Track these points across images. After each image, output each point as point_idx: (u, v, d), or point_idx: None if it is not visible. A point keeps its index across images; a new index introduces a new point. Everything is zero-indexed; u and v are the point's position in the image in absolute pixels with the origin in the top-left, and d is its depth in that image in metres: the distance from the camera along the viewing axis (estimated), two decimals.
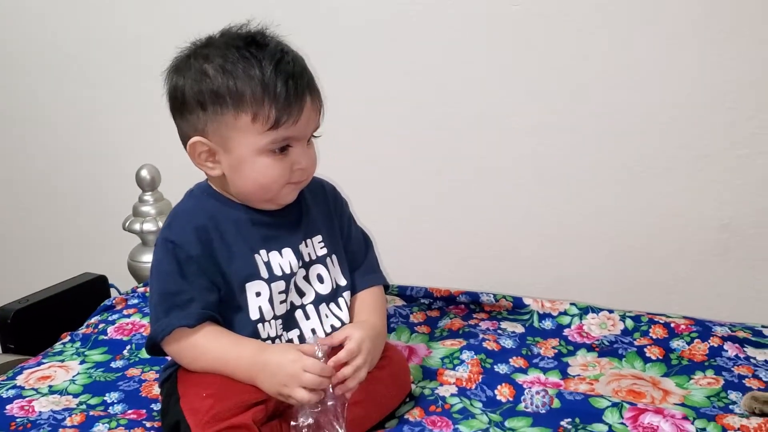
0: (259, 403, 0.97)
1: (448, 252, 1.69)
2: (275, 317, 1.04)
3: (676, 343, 1.23)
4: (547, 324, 1.33)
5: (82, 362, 1.29)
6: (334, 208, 1.16)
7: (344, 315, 1.11)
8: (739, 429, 1.00)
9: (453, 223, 1.67)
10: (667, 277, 1.52)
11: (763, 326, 1.26)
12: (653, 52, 1.45)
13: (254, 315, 1.03)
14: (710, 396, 1.10)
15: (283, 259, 1.05)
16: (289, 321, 1.06)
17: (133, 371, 1.25)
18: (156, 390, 1.16)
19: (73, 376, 1.24)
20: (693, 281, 1.51)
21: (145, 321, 1.39)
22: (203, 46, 1.01)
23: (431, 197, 1.68)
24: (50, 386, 1.21)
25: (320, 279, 1.10)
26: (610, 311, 1.32)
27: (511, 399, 1.11)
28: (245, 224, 1.04)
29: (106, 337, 1.36)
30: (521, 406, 1.10)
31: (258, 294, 1.03)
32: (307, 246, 1.09)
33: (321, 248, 1.11)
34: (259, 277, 1.03)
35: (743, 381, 1.12)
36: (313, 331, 1.07)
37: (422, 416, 1.08)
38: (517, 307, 1.36)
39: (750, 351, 1.20)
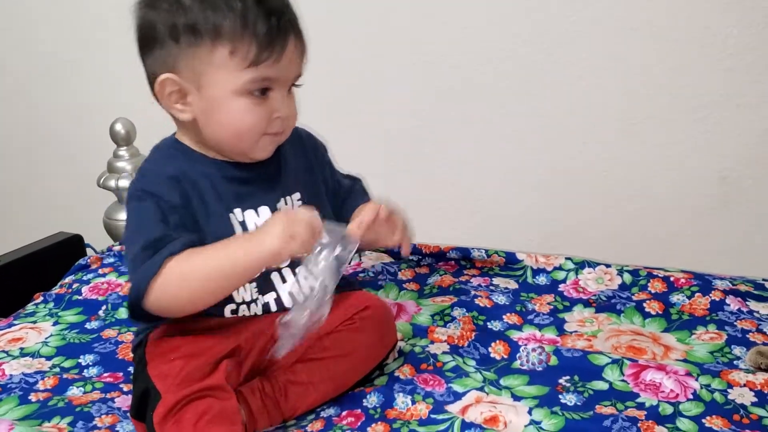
0: (232, 353, 0.92)
1: (436, 208, 1.63)
2: (249, 281, 0.97)
3: (675, 298, 1.18)
4: (542, 279, 1.28)
5: (55, 323, 1.23)
6: (315, 158, 1.09)
7: None
8: (744, 385, 0.96)
9: (440, 177, 1.62)
10: (664, 230, 1.48)
11: (764, 279, 1.22)
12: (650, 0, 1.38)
13: None
14: (713, 351, 1.05)
15: (259, 218, 0.98)
16: (264, 284, 0.99)
17: (109, 332, 1.19)
18: None
19: (46, 338, 1.18)
20: (691, 235, 1.47)
21: (122, 280, 1.33)
22: None
23: (418, 151, 1.62)
24: (22, 348, 1.15)
25: None
26: (607, 265, 1.27)
27: (506, 356, 1.07)
28: (218, 181, 0.97)
29: (80, 297, 1.30)
30: (516, 364, 1.05)
31: None
32: (286, 203, 1.02)
33: (299, 207, 1.03)
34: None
35: (747, 335, 1.08)
36: (291, 294, 1.00)
37: (413, 374, 1.03)
38: (509, 263, 1.31)
39: (753, 305, 1.15)
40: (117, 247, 1.46)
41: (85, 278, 1.35)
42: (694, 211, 1.46)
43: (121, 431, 0.95)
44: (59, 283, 1.36)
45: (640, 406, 0.94)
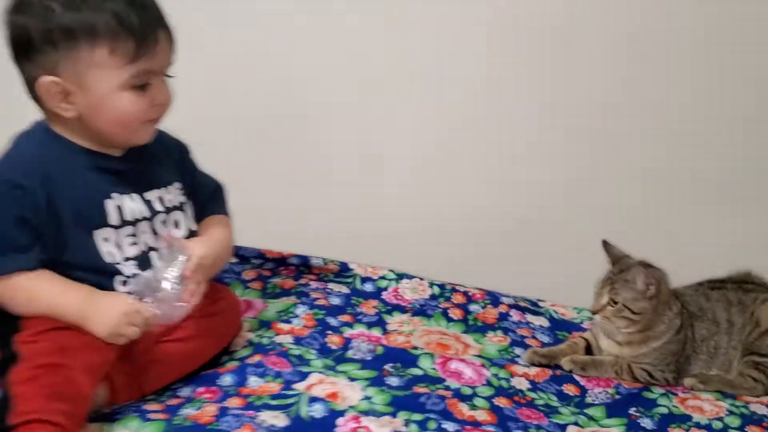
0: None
1: (279, 220, 1.74)
2: (127, 259, 1.07)
3: (472, 307, 1.48)
4: (368, 287, 1.51)
5: None
6: (181, 159, 1.19)
7: None
8: (522, 375, 1.26)
9: (280, 190, 1.76)
10: (467, 255, 1.76)
11: (538, 300, 1.56)
12: None
13: (108, 258, 1.05)
14: (500, 350, 1.35)
15: (134, 204, 1.06)
16: (144, 262, 1.08)
17: None
18: None
19: None
20: (487, 260, 1.75)
21: None
22: None
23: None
24: None
25: (177, 224, 1.13)
26: (421, 279, 1.54)
27: (341, 347, 1.28)
28: (92, 170, 1.04)
29: None
30: (350, 353, 1.26)
31: (106, 239, 1.04)
32: (160, 192, 1.11)
33: (177, 196, 1.13)
34: (107, 224, 1.04)
35: (524, 340, 1.40)
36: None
37: (262, 358, 1.20)
38: (342, 271, 1.53)
39: (529, 318, 1.48)
40: None
41: None
42: (493, 243, 1.75)
43: None
44: None
45: (447, 388, 1.19)
